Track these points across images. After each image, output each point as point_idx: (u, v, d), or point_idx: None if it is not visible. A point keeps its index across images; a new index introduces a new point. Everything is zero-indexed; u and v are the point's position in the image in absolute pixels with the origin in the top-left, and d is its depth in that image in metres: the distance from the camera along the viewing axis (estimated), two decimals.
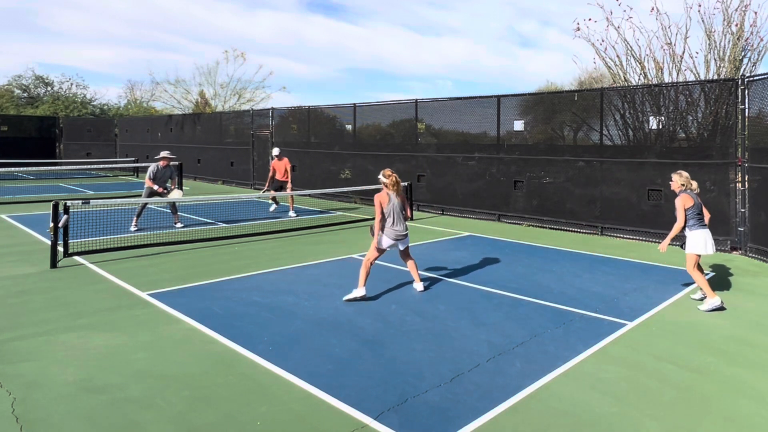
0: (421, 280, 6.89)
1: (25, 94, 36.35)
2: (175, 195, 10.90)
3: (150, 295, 6.47)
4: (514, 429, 3.57)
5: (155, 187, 10.80)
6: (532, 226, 12.14)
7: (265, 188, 13.46)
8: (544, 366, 4.54)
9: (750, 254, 9.15)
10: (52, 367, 4.44)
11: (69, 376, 4.26)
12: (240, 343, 4.95)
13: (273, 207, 13.66)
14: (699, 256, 6.13)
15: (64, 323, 5.46)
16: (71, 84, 37.55)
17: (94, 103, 37.94)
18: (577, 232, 11.46)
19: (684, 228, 6.24)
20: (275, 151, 13.38)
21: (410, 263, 6.88)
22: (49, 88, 36.92)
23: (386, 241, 6.48)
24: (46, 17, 62.61)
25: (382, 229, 6.45)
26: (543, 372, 4.42)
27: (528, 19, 74.72)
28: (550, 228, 11.87)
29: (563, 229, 11.66)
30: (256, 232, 10.69)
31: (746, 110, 9.35)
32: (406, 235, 6.57)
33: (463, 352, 4.81)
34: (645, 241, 10.50)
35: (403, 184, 13.17)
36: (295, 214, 13.18)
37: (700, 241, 6.09)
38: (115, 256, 8.48)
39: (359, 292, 6.32)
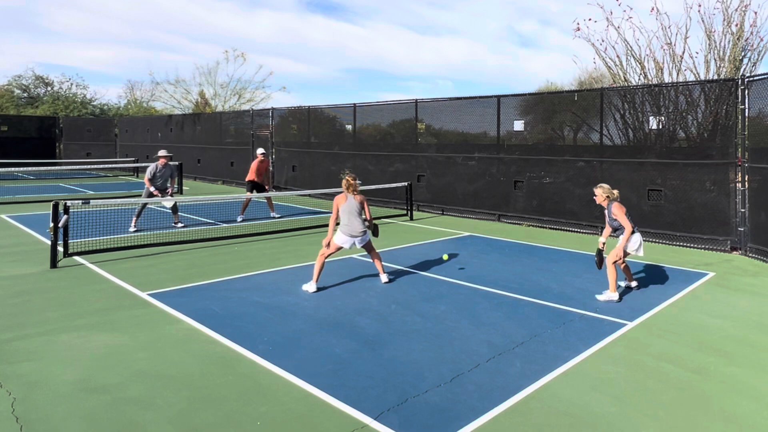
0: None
1: (25, 94, 36.36)
2: (167, 203, 10.87)
3: (150, 295, 6.47)
4: (514, 429, 3.57)
5: (152, 189, 10.70)
6: (532, 226, 12.14)
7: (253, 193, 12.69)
8: (544, 366, 4.54)
9: (750, 254, 9.15)
10: (52, 367, 4.44)
11: (69, 376, 4.26)
12: (240, 343, 4.95)
13: (240, 218, 12.37)
14: (626, 254, 6.57)
15: (64, 323, 5.46)
16: (71, 84, 37.60)
17: (94, 103, 37.96)
18: (577, 232, 11.46)
19: (615, 231, 6.73)
20: (260, 150, 12.81)
21: (374, 256, 7.16)
22: (49, 88, 36.94)
23: (341, 238, 6.80)
24: (46, 17, 62.66)
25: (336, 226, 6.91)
26: (543, 372, 4.42)
27: (528, 19, 74.74)
28: (550, 228, 11.87)
29: (563, 229, 11.66)
30: (256, 232, 10.69)
31: (746, 110, 9.34)
32: (363, 233, 6.88)
33: (463, 352, 4.81)
34: (645, 241, 10.44)
35: (404, 183, 13.38)
36: (278, 215, 12.93)
37: (636, 243, 6.51)
38: (115, 256, 8.48)
39: (311, 287, 6.69)
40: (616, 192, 6.75)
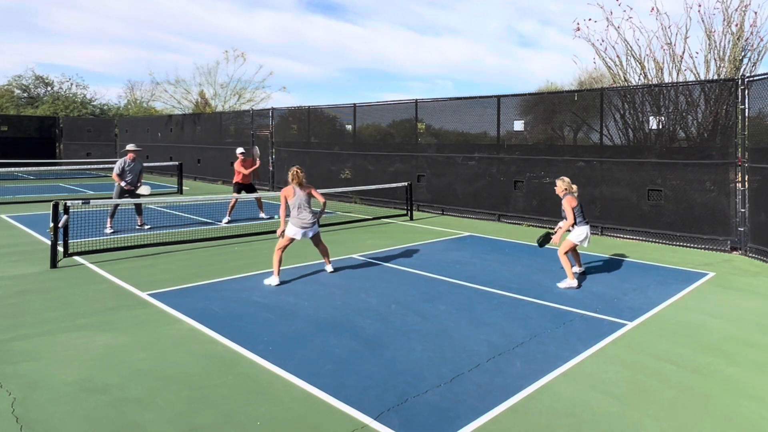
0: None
1: (25, 94, 36.36)
2: (143, 190, 10.73)
3: (150, 295, 6.47)
4: (514, 429, 3.57)
5: (122, 184, 10.46)
6: (532, 226, 12.14)
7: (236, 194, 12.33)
8: (544, 366, 4.54)
9: (750, 254, 9.15)
10: (52, 367, 4.44)
11: (69, 376, 4.26)
12: (240, 343, 4.95)
13: (226, 219, 11.99)
14: (576, 245, 7.15)
15: (64, 323, 5.46)
16: (71, 84, 37.61)
17: (94, 103, 37.96)
18: None
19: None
20: (240, 150, 12.29)
21: (321, 249, 7.50)
22: (49, 88, 36.95)
23: (292, 230, 7.05)
24: (46, 17, 62.66)
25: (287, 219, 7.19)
26: (543, 372, 4.42)
27: (528, 19, 74.80)
28: (550, 228, 11.85)
29: None
30: (256, 232, 10.69)
31: (746, 110, 9.34)
32: (313, 224, 7.19)
33: (463, 352, 4.81)
34: (645, 241, 10.50)
35: (404, 183, 13.38)
36: (267, 216, 12.74)
37: (582, 234, 7.09)
38: (115, 256, 8.48)
39: (273, 280, 6.89)
40: (575, 187, 7.32)
